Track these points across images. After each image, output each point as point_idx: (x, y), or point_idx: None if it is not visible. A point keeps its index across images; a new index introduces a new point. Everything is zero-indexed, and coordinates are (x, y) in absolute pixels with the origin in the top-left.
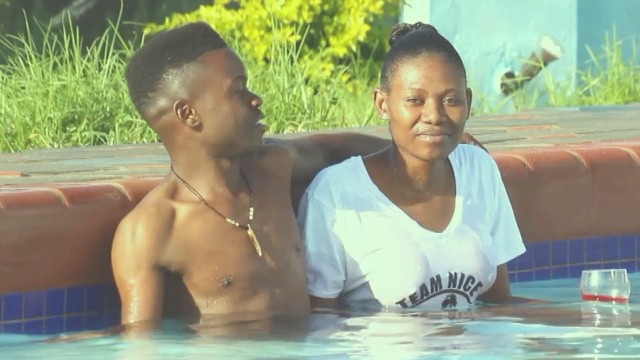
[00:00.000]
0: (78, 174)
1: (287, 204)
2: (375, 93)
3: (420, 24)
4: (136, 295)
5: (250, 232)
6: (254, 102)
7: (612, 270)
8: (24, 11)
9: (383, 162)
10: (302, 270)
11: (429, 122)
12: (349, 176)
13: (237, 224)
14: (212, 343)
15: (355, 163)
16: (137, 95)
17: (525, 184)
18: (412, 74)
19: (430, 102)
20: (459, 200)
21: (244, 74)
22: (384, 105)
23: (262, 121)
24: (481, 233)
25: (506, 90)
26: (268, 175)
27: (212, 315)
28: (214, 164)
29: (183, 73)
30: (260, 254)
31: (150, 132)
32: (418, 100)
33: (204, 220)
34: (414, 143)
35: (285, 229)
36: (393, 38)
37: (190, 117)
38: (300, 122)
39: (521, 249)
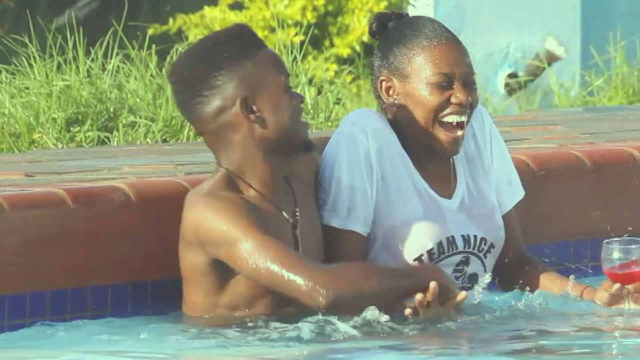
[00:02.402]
0: (82, 175)
1: (315, 205)
2: (382, 81)
3: (396, 12)
4: (274, 239)
5: (298, 231)
6: (300, 99)
7: (633, 245)
8: (27, 12)
9: (395, 124)
10: None
11: (458, 104)
12: (379, 118)
13: (290, 220)
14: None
15: (380, 114)
16: (191, 95)
17: (529, 184)
18: (438, 59)
19: (459, 85)
20: (459, 165)
21: (288, 72)
22: (390, 91)
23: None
24: (486, 191)
25: (510, 90)
26: (301, 178)
27: (246, 313)
28: (268, 162)
29: (242, 69)
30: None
31: (154, 132)
32: (446, 83)
33: (264, 210)
34: (435, 129)
35: (317, 229)
36: (374, 28)
37: (253, 113)
38: None
39: (521, 193)
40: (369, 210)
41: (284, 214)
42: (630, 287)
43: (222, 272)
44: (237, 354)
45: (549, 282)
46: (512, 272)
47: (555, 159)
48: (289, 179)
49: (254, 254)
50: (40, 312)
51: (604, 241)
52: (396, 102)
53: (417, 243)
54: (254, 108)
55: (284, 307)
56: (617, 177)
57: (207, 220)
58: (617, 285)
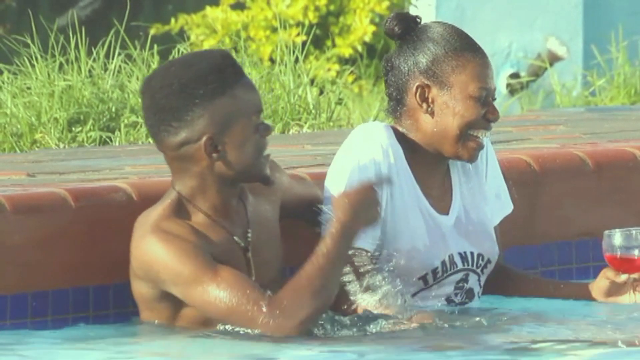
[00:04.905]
0: (83, 174)
1: (277, 223)
2: (418, 87)
3: (411, 15)
4: (228, 276)
5: (249, 254)
6: (268, 133)
7: (634, 230)
8: (29, 11)
9: (401, 136)
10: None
11: (493, 121)
12: (389, 133)
13: (242, 244)
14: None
15: (388, 127)
16: (159, 122)
17: (531, 184)
18: (480, 72)
19: (490, 101)
20: (455, 180)
21: (262, 107)
22: (424, 97)
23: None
24: (481, 206)
25: (512, 90)
26: (259, 195)
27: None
28: (221, 189)
29: (214, 108)
30: (253, 277)
31: None
32: (484, 98)
33: (214, 236)
34: (464, 141)
35: (275, 248)
36: (398, 30)
37: (217, 152)
38: (305, 123)
39: (509, 207)
40: (377, 228)
41: (236, 238)
42: (635, 275)
43: (176, 300)
44: (239, 353)
45: (535, 287)
46: (496, 284)
47: (557, 159)
48: (242, 196)
49: (210, 296)
50: (42, 312)
51: (605, 231)
52: (429, 109)
53: (423, 263)
54: (218, 147)
55: None
56: (619, 177)
57: (158, 260)
58: (624, 276)
